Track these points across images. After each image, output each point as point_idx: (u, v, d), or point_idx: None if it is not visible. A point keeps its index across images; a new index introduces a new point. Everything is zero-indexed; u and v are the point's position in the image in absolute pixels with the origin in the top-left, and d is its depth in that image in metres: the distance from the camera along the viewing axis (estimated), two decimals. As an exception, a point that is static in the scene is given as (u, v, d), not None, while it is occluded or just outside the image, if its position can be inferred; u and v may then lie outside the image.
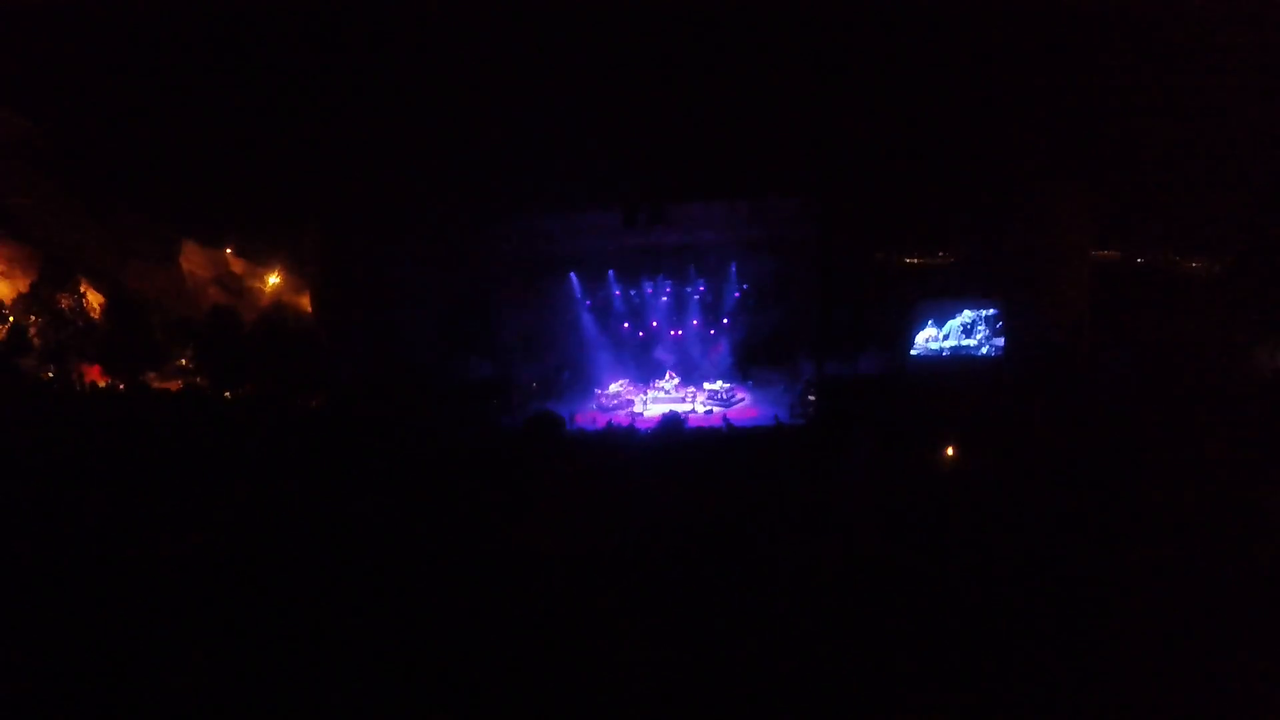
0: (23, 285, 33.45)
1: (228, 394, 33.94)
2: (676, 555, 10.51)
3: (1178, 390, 26.55)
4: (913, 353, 37.24)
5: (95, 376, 34.12)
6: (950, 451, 18.77)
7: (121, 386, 33.15)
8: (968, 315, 36.90)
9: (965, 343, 36.88)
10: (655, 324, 42.35)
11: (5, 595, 9.29)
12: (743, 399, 39.79)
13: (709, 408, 38.33)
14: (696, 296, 41.92)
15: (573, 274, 41.27)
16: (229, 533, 11.86)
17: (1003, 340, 36.43)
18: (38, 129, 35.22)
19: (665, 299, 42.14)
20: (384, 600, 9.04)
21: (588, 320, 41.85)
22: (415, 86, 36.69)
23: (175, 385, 34.61)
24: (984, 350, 36.65)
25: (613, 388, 40.48)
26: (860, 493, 13.69)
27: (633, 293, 42.15)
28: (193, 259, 38.63)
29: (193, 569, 10.22)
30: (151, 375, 34.50)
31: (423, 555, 10.58)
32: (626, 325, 42.41)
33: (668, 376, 40.66)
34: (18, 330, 32.40)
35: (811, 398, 37.36)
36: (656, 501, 13.45)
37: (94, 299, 34.53)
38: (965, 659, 7.92)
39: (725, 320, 41.79)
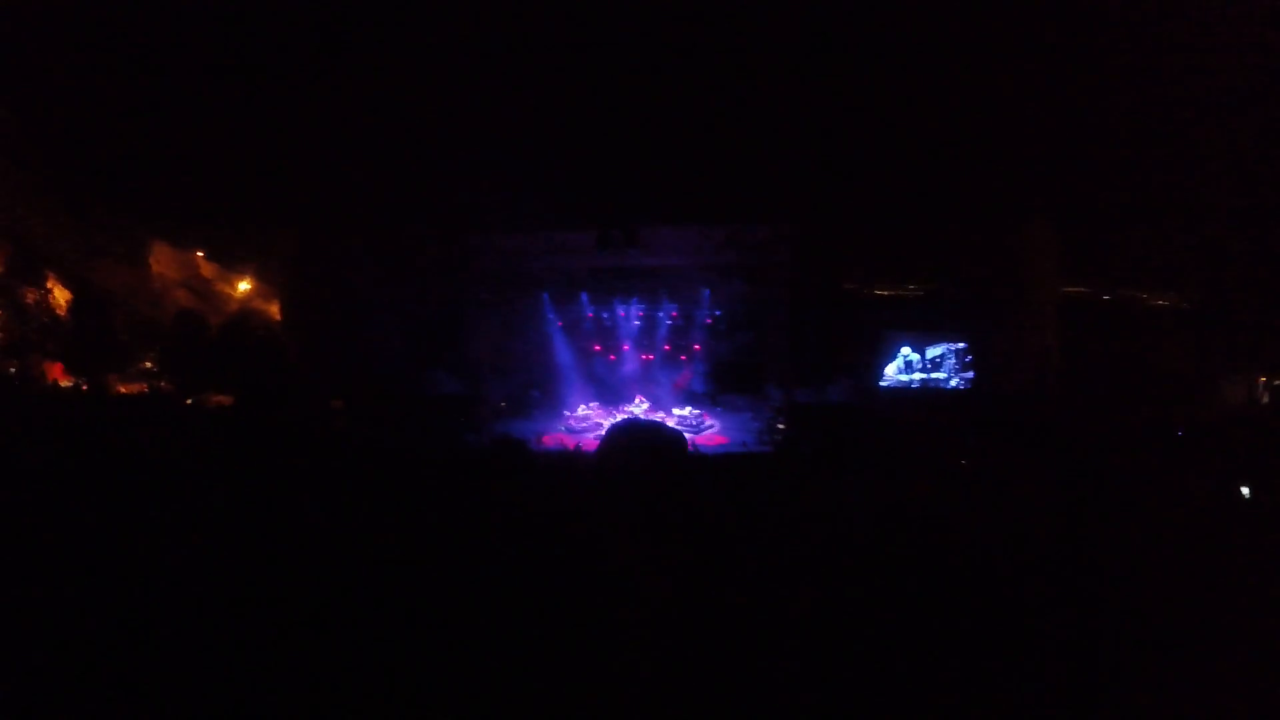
0: (-12, 277, 33.17)
1: (190, 400, 33.55)
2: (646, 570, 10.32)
3: (1147, 424, 26.63)
4: (882, 384, 37.33)
5: (57, 375, 33.70)
6: (924, 483, 18.70)
7: (85, 387, 32.74)
8: (936, 349, 37.09)
9: (934, 375, 37.02)
10: (626, 347, 42.25)
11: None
12: (712, 425, 39.69)
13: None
14: (669, 321, 41.88)
15: (544, 294, 41.15)
16: (188, 541, 11.59)
17: (971, 374, 36.58)
18: (16, 117, 34.90)
19: (637, 322, 42.05)
20: (344, 612, 8.84)
21: (558, 340, 41.70)
22: (392, 100, 36.74)
23: (138, 388, 34.23)
24: (953, 383, 36.78)
25: (581, 410, 40.29)
26: (838, 515, 13.53)
27: (604, 315, 42.04)
28: (163, 260, 38.31)
29: (147, 577, 9.96)
30: (114, 377, 34.06)
31: (385, 567, 10.37)
32: (597, 347, 42.32)
33: (637, 400, 40.53)
34: (-20, 323, 32.07)
35: (780, 425, 37.34)
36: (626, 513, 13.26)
37: (60, 295, 34.16)
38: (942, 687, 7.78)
39: (696, 346, 41.75)
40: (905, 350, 37.26)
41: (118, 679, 7.50)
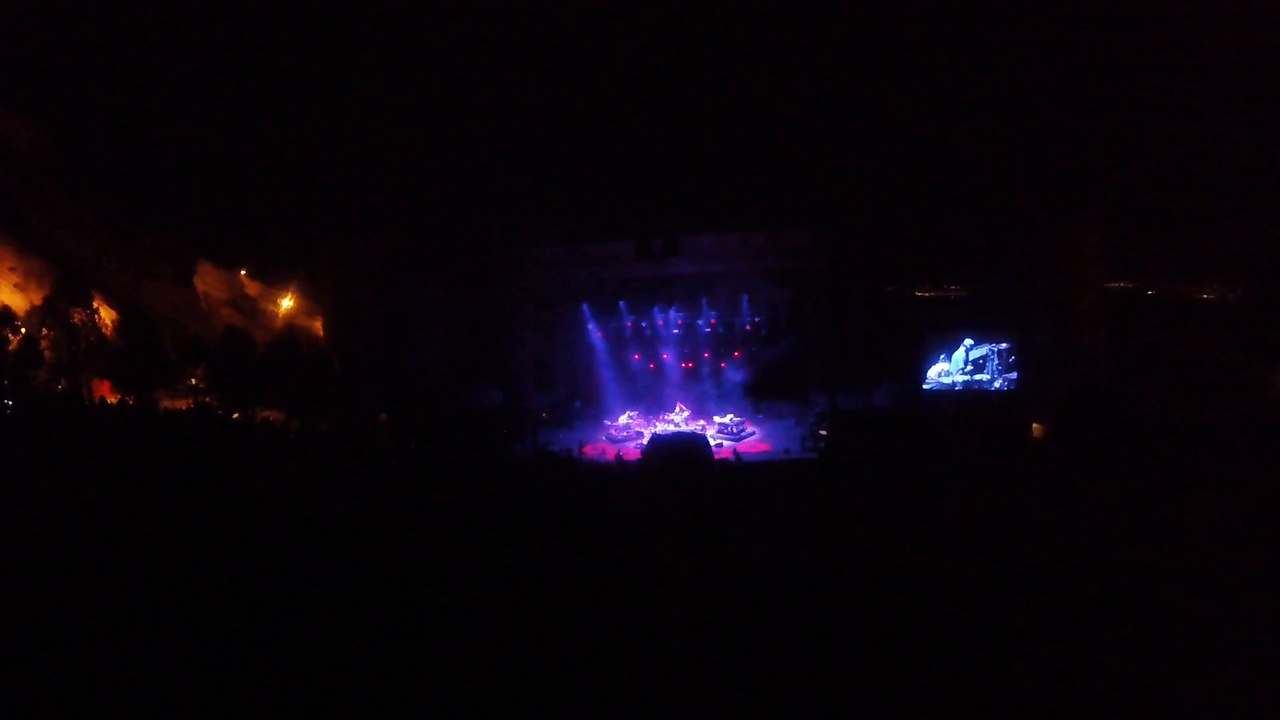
0: (37, 298, 33.54)
1: (237, 415, 33.88)
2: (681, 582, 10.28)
3: (1195, 420, 26.25)
4: (925, 386, 36.99)
5: (105, 392, 34.08)
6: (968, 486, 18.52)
7: (131, 402, 33.09)
8: (979, 350, 36.70)
9: (978, 377, 36.63)
10: (666, 355, 42.26)
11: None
12: (753, 432, 39.55)
13: (719, 441, 37.97)
14: (708, 328, 41.86)
15: (585, 304, 41.27)
16: (229, 553, 11.64)
17: (1015, 374, 36.16)
18: (59, 144, 35.60)
19: (677, 330, 42.10)
20: (383, 628, 8.85)
21: (599, 350, 41.82)
22: (433, 117, 37.09)
23: (185, 404, 34.55)
24: (996, 384, 36.38)
25: (622, 419, 40.31)
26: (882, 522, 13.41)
27: (644, 324, 42.13)
28: (208, 280, 38.83)
29: (190, 592, 9.99)
30: (161, 393, 34.41)
31: (427, 579, 10.37)
32: (637, 356, 42.36)
33: (678, 408, 40.45)
34: (30, 342, 32.41)
35: (823, 431, 37.11)
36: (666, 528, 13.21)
37: (107, 315, 34.59)
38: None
39: (736, 353, 41.68)
40: (960, 350, 36.84)
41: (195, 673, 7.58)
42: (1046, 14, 32.28)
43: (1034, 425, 34.11)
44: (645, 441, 36.85)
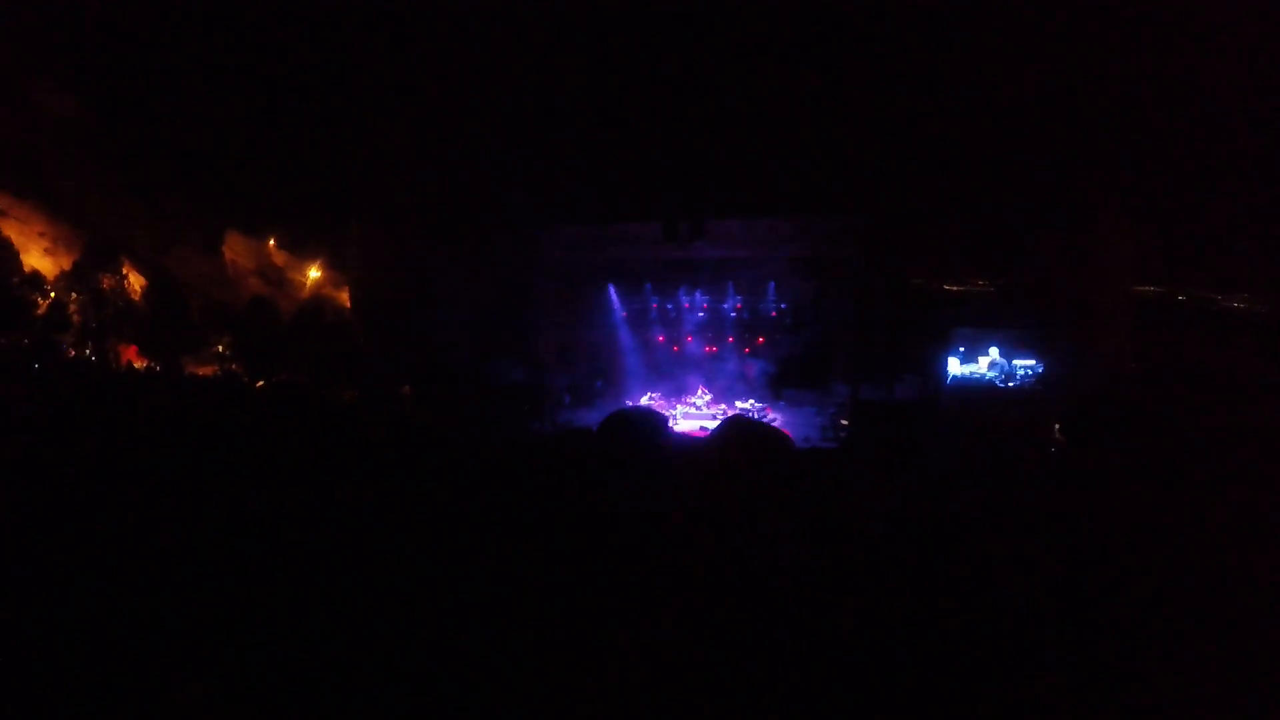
0: (66, 263, 33.89)
1: (261, 382, 34.19)
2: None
3: (1219, 429, 25.97)
4: (949, 381, 36.74)
5: (132, 357, 34.46)
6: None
7: (157, 368, 33.50)
8: (995, 352, 36.42)
9: (1004, 374, 36.34)
10: (690, 338, 42.16)
11: (18, 577, 9.25)
12: (774, 418, 39.44)
13: (739, 425, 38.00)
14: (733, 313, 41.74)
15: (610, 285, 41.20)
16: (245, 525, 11.75)
17: (1041, 370, 35.88)
18: (91, 111, 35.80)
19: (701, 314, 42.00)
20: (398, 598, 8.93)
21: (623, 331, 41.76)
22: (464, 95, 36.99)
23: (210, 370, 34.93)
24: (1024, 382, 36.10)
25: (644, 400, 40.31)
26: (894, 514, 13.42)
27: (669, 306, 42.05)
28: (236, 248, 39.05)
29: (206, 562, 10.11)
30: (187, 359, 34.77)
31: (442, 554, 10.44)
32: (661, 338, 42.26)
33: (700, 392, 40.40)
34: (58, 307, 32.81)
35: (845, 421, 37.00)
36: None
37: (135, 281, 34.93)
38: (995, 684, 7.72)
39: (760, 338, 41.54)
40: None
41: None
42: (1083, 9, 31.77)
43: (1056, 426, 33.90)
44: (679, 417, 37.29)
